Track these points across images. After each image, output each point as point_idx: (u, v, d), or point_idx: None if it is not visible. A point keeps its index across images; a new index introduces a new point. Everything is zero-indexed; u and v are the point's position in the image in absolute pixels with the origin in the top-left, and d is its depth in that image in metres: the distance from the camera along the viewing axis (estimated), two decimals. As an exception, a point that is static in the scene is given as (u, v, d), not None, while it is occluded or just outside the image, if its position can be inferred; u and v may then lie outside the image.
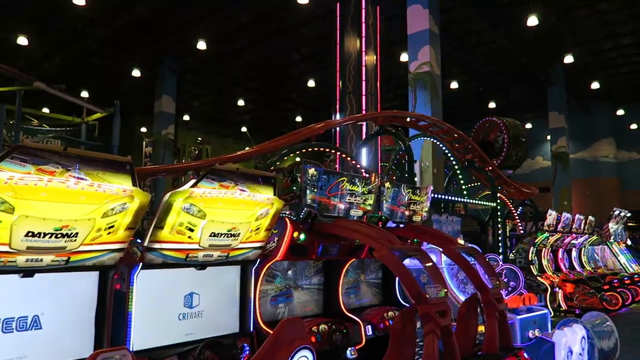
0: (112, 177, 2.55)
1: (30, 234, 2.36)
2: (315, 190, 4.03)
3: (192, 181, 2.96)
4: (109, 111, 16.29)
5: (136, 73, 21.07)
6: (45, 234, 2.41)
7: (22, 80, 14.59)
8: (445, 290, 3.45)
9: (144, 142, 22.66)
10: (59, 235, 2.46)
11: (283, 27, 18.03)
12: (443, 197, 10.04)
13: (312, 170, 4.00)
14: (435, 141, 11.69)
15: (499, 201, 11.55)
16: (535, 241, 10.25)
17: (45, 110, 20.10)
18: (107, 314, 2.88)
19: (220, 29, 17.39)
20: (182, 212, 2.91)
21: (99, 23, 17.72)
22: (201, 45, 17.84)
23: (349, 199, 4.33)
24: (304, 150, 6.02)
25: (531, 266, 10.03)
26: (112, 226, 2.67)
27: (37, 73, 18.34)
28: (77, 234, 2.53)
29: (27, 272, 2.55)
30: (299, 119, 28.46)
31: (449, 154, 11.60)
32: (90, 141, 16.01)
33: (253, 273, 3.65)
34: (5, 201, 2.22)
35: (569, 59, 19.64)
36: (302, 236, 3.88)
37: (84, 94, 21.40)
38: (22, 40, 17.50)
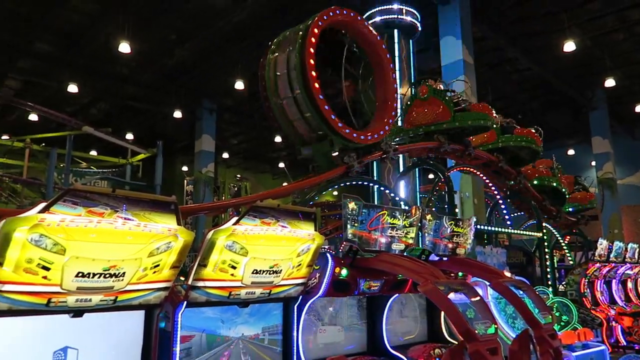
0: (157, 217, 2.61)
1: (80, 274, 2.43)
2: (356, 224, 4.00)
3: (234, 218, 2.99)
4: (152, 152, 16.89)
5: (177, 114, 21.88)
6: (94, 274, 2.47)
7: (71, 126, 15.37)
8: (495, 326, 3.31)
9: (185, 181, 23.27)
10: (107, 275, 2.52)
11: (317, 64, 18.41)
12: (486, 228, 9.76)
13: (352, 205, 3.98)
14: (474, 171, 11.47)
15: (545, 231, 11.13)
16: (587, 272, 9.76)
17: (93, 152, 21.04)
18: (153, 353, 2.89)
19: (256, 68, 17.91)
20: (224, 249, 2.94)
21: (142, 69, 18.59)
22: (238, 85, 18.41)
23: (390, 233, 4.26)
24: (342, 185, 6.01)
25: (584, 299, 9.52)
26: (158, 265, 2.71)
27: (85, 118, 19.31)
28: (124, 273, 2.58)
29: (77, 312, 2.60)
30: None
31: (490, 184, 11.33)
32: (135, 181, 16.57)
33: (295, 310, 3.61)
34: (57, 243, 2.29)
35: (610, 82, 19.09)
36: (344, 272, 3.83)
37: (129, 136, 22.31)
38: (72, 88, 18.54)
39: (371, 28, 6.02)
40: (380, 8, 15.12)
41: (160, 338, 2.94)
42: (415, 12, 15.40)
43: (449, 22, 14.41)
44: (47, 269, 2.32)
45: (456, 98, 7.58)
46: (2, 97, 17.56)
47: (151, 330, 2.92)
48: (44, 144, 17.20)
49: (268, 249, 3.12)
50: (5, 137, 19.10)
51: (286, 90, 5.27)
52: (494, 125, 7.74)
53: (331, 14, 5.44)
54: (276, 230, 3.11)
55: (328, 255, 3.85)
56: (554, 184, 10.79)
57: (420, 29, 15.55)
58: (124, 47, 14.64)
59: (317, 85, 5.07)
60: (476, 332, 3.16)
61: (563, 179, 11.60)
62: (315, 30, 5.19)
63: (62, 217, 2.27)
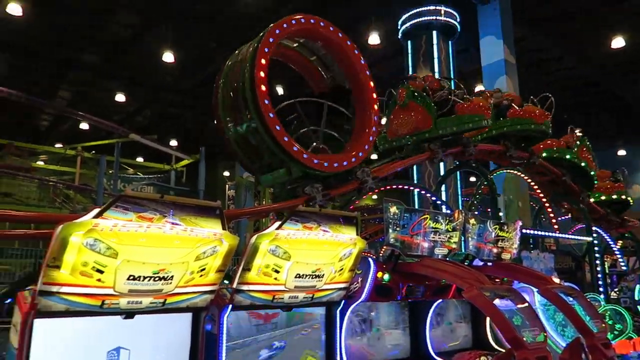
0: (203, 222, 2.68)
1: (131, 277, 2.52)
2: (398, 228, 3.97)
3: (277, 223, 3.03)
4: (195, 157, 17.29)
5: (218, 121, 22.28)
6: (144, 277, 2.56)
7: (119, 133, 15.96)
8: (544, 334, 3.21)
9: (227, 186, 23.69)
10: (156, 279, 2.60)
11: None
12: (532, 232, 9.46)
13: (393, 209, 3.96)
14: (518, 173, 11.16)
15: (595, 235, 10.68)
16: (642, 278, 9.29)
17: (140, 159, 21.76)
18: (200, 354, 2.96)
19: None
20: (268, 254, 2.98)
21: (184, 77, 19.11)
22: (278, 89, 18.62)
23: (432, 237, 4.21)
24: (382, 188, 5.97)
25: (638, 306, 9.08)
26: (204, 269, 2.78)
27: (131, 126, 20.01)
28: (172, 276, 2.66)
29: (129, 313, 2.70)
30: (374, 156, 28.46)
31: (535, 186, 10.98)
32: (179, 186, 17.02)
33: (338, 315, 3.61)
34: (110, 247, 2.39)
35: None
36: (386, 276, 3.81)
37: (173, 142, 22.95)
38: (120, 97, 19.26)
39: (341, 35, 5.16)
40: (417, 10, 14.98)
41: (206, 340, 3.00)
42: (454, 12, 15.17)
43: (489, 21, 14.11)
44: (101, 272, 2.42)
45: (447, 94, 6.57)
46: (55, 107, 18.44)
47: (198, 333, 2.99)
48: (93, 152, 17.95)
49: (310, 254, 3.14)
50: (58, 145, 20.05)
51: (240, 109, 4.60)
52: (488, 123, 6.62)
53: (285, 25, 4.67)
54: (318, 235, 3.13)
55: (370, 259, 3.84)
56: (568, 157, 9.35)
57: (459, 29, 15.31)
58: (168, 57, 15.11)
59: (266, 102, 4.35)
60: (524, 339, 3.07)
61: (599, 174, 10.44)
62: (266, 49, 4.48)
63: (115, 222, 2.37)
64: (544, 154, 9.13)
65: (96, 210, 2.33)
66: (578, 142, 9.58)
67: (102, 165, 14.10)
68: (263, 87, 4.35)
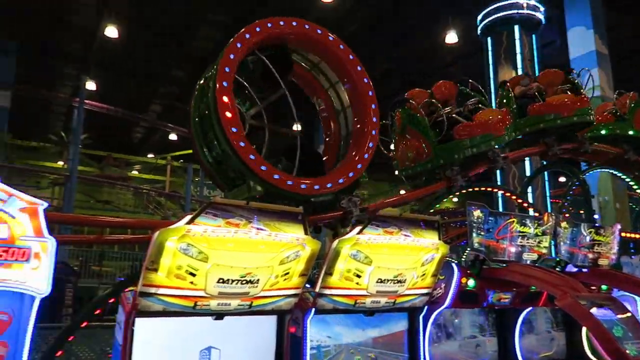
0: (286, 227, 2.76)
1: (221, 280, 2.65)
2: (482, 233, 3.84)
3: (358, 228, 3.05)
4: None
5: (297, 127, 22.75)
6: (232, 281, 2.68)
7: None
8: (651, 347, 2.95)
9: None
10: (244, 282, 2.72)
11: (432, 67, 18.04)
12: (633, 235, 8.71)
13: (477, 212, 3.83)
14: (615, 172, 10.33)
15: None
16: None
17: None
18: (285, 356, 3.05)
19: (371, 72, 18.11)
20: (349, 258, 3.01)
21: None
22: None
23: (520, 242, 4.02)
24: (464, 191, 5.79)
25: None
26: (288, 273, 2.87)
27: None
28: (258, 280, 2.76)
29: (219, 314, 2.84)
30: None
31: (635, 186, 10.10)
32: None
33: (421, 321, 3.55)
34: (201, 251, 2.54)
35: None
36: (470, 282, 3.69)
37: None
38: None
39: (328, 35, 4.26)
40: (498, 5, 14.37)
41: (291, 343, 3.08)
42: (537, 4, 14.39)
43: (578, 11, 13.24)
44: (194, 274, 2.58)
45: (472, 105, 5.44)
46: (147, 120, 19.80)
47: (283, 335, 3.08)
48: (182, 160, 19.04)
49: (391, 258, 3.13)
50: (150, 155, 21.52)
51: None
52: (500, 142, 5.16)
53: (258, 29, 3.89)
54: (399, 240, 3.11)
55: (453, 265, 3.74)
56: (630, 133, 7.12)
57: (543, 22, 14.49)
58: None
59: (228, 114, 3.57)
60: (627, 352, 2.84)
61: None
62: (227, 68, 3.71)
63: (205, 228, 2.51)
64: (602, 131, 7.17)
65: (188, 217, 2.48)
66: (632, 105, 7.27)
67: (190, 173, 14.94)
68: (228, 114, 3.58)
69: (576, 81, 6.83)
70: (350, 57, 4.32)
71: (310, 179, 3.87)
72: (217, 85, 3.60)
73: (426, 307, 3.52)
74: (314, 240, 2.85)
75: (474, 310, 4.05)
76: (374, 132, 4.26)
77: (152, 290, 2.53)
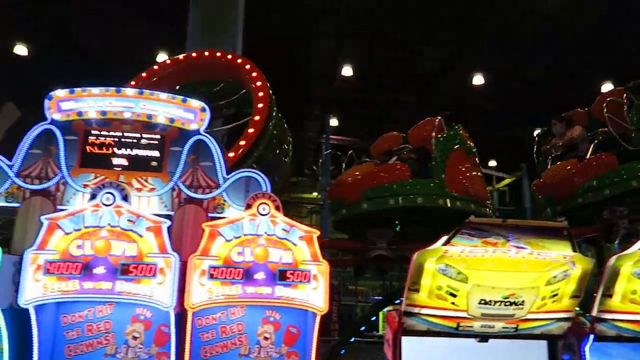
0: (549, 244, 2.55)
1: (482, 301, 2.59)
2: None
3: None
4: (517, 175, 16.61)
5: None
6: (495, 302, 2.59)
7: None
8: None
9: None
10: (507, 303, 2.59)
11: None
12: None
13: None
14: None
15: None
16: None
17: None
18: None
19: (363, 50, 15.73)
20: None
21: (491, 97, 18.82)
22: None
23: None
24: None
25: None
26: (556, 294, 2.63)
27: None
28: (523, 302, 2.60)
29: (482, 337, 2.76)
30: None
31: None
32: (503, 207, 16.61)
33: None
34: (460, 272, 2.53)
35: None
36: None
37: (492, 163, 22.66)
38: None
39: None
40: None
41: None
42: None
43: None
44: (454, 295, 2.58)
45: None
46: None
47: (556, 363, 2.81)
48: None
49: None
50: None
51: None
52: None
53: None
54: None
55: None
56: None
57: None
58: (478, 80, 15.26)
59: None
60: None
61: None
62: None
63: (462, 249, 2.51)
64: None
65: (445, 238, 2.51)
66: None
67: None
68: None
69: None
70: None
71: None
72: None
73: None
74: (584, 258, 2.56)
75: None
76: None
77: (416, 310, 2.63)
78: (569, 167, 4.41)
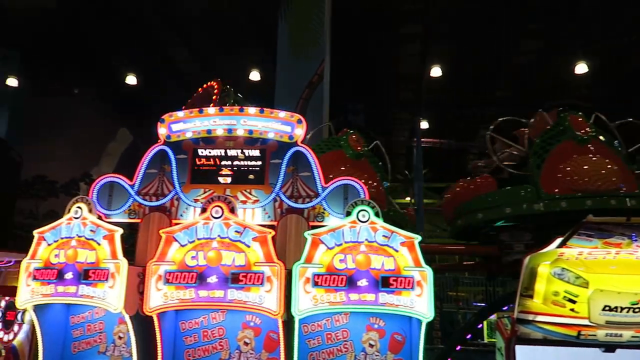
0: (683, 244, 2.29)
1: (607, 308, 2.37)
2: None
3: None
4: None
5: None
6: (622, 308, 2.36)
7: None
8: None
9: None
10: (636, 310, 2.36)
11: None
12: None
13: None
14: None
15: None
16: None
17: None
18: None
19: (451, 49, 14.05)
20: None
21: (599, 84, 17.35)
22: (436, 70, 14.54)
23: None
24: None
25: None
26: None
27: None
28: (658, 308, 2.35)
29: (608, 346, 2.53)
30: None
31: None
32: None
33: None
34: (579, 276, 2.35)
35: None
36: None
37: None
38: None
39: None
40: None
41: None
42: None
43: None
44: (573, 301, 2.40)
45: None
46: (477, 146, 20.04)
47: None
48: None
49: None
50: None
51: None
52: None
53: None
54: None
55: None
56: None
57: None
58: (581, 68, 14.23)
59: None
60: None
61: None
62: None
63: (580, 250, 2.33)
64: None
65: (559, 240, 2.36)
66: None
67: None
68: None
69: None
70: None
71: None
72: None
73: None
74: None
75: None
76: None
77: (530, 317, 2.48)
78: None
